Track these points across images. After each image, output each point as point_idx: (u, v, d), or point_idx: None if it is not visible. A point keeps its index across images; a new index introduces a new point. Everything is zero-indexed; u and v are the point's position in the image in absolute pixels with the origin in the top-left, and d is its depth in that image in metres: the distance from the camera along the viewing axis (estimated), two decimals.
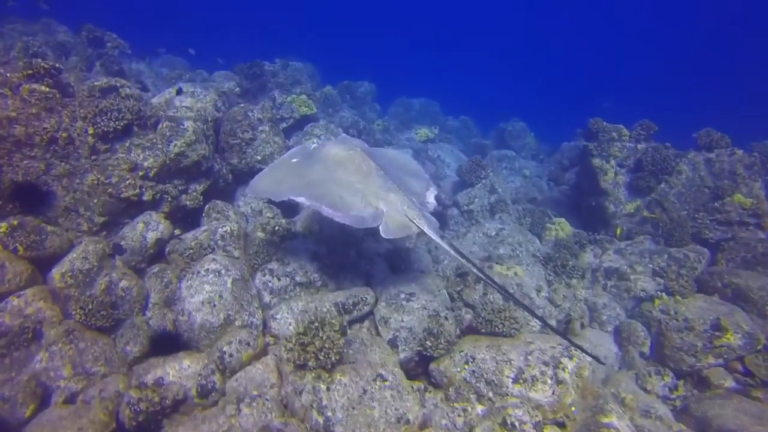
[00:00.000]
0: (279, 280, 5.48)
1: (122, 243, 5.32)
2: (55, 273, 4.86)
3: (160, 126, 6.06)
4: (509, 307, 5.09)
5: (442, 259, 6.85)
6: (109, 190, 5.40)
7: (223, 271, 4.91)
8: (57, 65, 5.76)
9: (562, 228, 8.14)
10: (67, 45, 10.53)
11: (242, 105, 7.86)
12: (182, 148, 6.02)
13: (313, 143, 5.33)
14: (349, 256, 6.27)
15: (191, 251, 5.26)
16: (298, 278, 5.57)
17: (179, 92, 7.34)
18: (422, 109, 21.29)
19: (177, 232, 6.13)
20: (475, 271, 4.19)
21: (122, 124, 5.55)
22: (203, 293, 4.70)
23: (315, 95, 14.23)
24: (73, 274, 4.83)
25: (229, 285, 4.83)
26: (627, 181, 8.31)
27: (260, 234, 6.45)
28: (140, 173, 5.63)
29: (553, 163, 14.52)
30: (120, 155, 5.61)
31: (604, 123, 8.68)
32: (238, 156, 7.48)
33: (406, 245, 7.27)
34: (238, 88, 10.77)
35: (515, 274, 6.05)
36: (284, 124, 9.92)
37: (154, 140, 5.88)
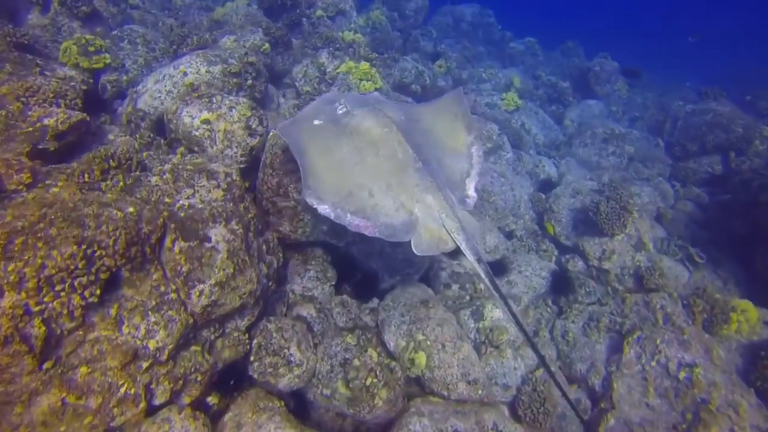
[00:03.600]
0: None
1: None
2: None
3: (167, 251, 3.26)
4: None
5: None
6: (89, 419, 2.85)
7: None
8: None
9: (747, 318, 5.71)
10: None
11: None
12: (214, 296, 3.31)
13: (341, 105, 4.28)
14: None
15: None
16: None
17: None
18: (475, 22, 17.07)
19: (212, 402, 3.74)
20: None
21: (97, 288, 2.79)
22: None
23: (359, 24, 10.56)
24: None
25: None
26: None
27: (344, 391, 4.09)
28: (144, 364, 3.03)
29: (660, 131, 11.29)
30: (101, 334, 2.94)
31: None
32: (292, 222, 4.69)
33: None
34: (266, 44, 7.26)
35: None
36: None
37: (162, 288, 3.14)
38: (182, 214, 3.46)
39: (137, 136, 4.89)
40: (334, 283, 5.11)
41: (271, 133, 4.87)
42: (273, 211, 4.68)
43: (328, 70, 6.93)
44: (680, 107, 11.19)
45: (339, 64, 6.98)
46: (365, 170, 3.81)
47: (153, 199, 3.51)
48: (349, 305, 4.92)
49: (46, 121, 3.85)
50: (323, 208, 3.58)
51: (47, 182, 3.41)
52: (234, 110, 4.82)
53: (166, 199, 3.55)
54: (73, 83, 4.90)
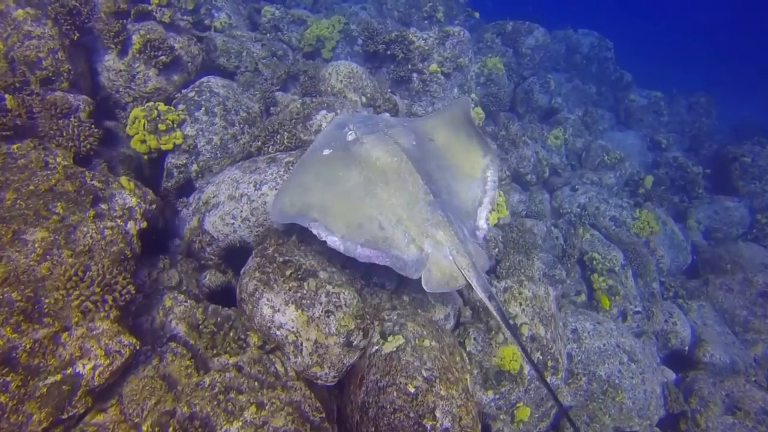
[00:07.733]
0: None
1: None
2: None
3: None
4: None
5: None
6: None
7: None
8: None
9: None
10: None
11: (417, 344, 3.37)
12: None
13: (350, 132, 4.17)
14: None
15: None
16: None
17: None
18: (591, 55, 14.77)
19: None
20: None
21: None
22: None
23: (476, 85, 8.84)
24: None
25: None
26: None
27: None
28: None
29: None
30: None
31: None
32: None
33: None
34: None
35: None
36: None
37: None
38: None
39: (201, 320, 3.64)
40: None
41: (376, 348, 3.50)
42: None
43: None
44: None
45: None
46: (375, 202, 3.75)
47: None
48: None
49: (79, 368, 2.64)
50: (332, 240, 3.53)
51: None
52: (332, 317, 3.45)
53: None
54: (130, 224, 3.63)
